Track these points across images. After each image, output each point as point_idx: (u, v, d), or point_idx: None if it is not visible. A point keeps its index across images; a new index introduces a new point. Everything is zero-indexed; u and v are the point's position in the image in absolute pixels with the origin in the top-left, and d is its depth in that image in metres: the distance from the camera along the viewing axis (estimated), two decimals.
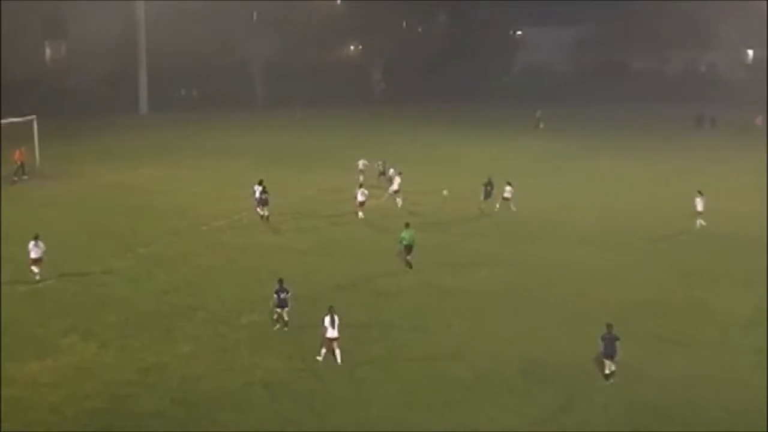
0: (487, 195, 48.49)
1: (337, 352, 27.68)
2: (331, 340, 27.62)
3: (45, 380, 26.37)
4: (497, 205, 48.61)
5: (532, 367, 27.67)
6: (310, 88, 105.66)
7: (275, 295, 30.21)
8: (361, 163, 57.17)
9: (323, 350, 27.76)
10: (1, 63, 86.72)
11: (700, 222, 45.78)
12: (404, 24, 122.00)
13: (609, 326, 27.09)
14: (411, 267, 37.83)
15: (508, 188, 48.74)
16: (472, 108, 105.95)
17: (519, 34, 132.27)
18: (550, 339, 30.05)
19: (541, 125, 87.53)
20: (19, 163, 58.07)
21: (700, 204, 45.80)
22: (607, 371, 26.92)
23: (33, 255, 35.78)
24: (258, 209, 47.10)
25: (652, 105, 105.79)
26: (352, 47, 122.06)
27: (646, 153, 72.54)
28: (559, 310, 32.97)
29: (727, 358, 28.73)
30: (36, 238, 35.90)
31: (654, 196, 52.91)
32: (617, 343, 26.80)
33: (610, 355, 26.75)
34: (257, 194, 47.20)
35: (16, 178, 57.24)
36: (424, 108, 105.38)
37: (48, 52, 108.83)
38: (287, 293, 30.17)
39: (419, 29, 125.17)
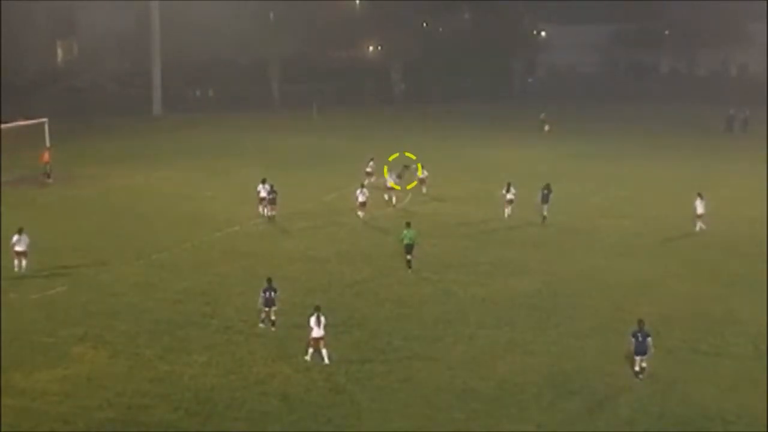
0: (545, 199, 46.94)
1: (324, 351, 27.72)
2: (317, 339, 27.74)
3: (55, 390, 25.88)
4: (507, 211, 47.44)
5: (557, 380, 26.94)
6: (328, 88, 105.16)
7: (262, 294, 30.37)
8: (370, 165, 56.49)
9: (310, 350, 27.85)
10: (12, 63, 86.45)
11: (700, 225, 44.94)
12: (425, 24, 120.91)
13: (640, 322, 26.86)
14: (410, 267, 37.82)
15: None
16: (495, 109, 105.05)
17: (543, 35, 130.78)
18: (577, 351, 29.31)
19: (546, 128, 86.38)
20: (46, 163, 57.91)
21: (700, 207, 44.97)
22: (637, 368, 26.62)
23: (18, 248, 36.35)
24: (263, 209, 46.90)
25: (681, 106, 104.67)
26: (371, 47, 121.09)
27: (675, 156, 71.06)
28: (587, 322, 32.10)
29: (758, 370, 27.91)
30: (20, 231, 36.54)
31: (686, 202, 50.68)
32: (649, 340, 26.49)
33: (642, 352, 26.42)
34: (262, 193, 46.77)
35: (50, 180, 57.17)
36: (444, 109, 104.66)
37: (59, 52, 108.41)
38: (274, 292, 30.29)
39: (440, 29, 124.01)
